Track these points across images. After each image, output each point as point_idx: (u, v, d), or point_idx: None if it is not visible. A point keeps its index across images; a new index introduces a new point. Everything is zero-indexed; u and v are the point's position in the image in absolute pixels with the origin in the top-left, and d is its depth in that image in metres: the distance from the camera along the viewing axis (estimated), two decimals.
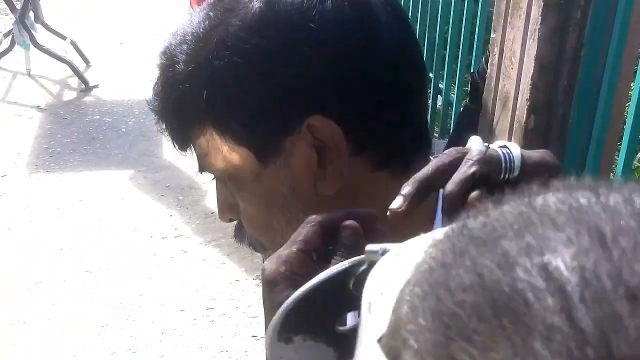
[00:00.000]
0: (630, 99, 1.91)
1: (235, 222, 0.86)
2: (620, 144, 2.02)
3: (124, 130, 4.21)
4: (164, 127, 0.78)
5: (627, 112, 2.05)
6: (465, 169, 0.58)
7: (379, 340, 0.30)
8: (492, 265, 0.26)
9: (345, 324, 0.42)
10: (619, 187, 0.27)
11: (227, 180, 0.77)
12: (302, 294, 0.41)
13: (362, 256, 0.39)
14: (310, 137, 0.69)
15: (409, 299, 0.28)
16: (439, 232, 0.30)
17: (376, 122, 0.71)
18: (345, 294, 0.40)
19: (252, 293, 2.85)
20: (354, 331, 0.41)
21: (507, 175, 0.56)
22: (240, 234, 0.85)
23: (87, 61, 5.01)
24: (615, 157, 2.11)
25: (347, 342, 0.41)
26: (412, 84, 0.75)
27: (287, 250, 0.58)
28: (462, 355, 0.25)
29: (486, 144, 0.60)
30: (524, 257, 0.25)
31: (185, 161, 3.78)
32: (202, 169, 0.79)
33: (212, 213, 3.37)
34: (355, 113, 0.70)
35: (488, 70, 2.36)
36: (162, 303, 2.81)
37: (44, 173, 3.70)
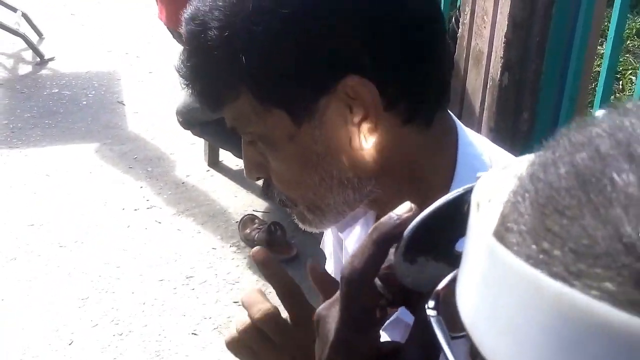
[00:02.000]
0: (603, 52, 1.97)
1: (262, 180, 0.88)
2: (592, 99, 2.08)
3: (84, 103, 4.14)
4: (195, 92, 0.78)
5: (599, 66, 2.11)
6: None
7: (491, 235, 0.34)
8: (586, 157, 0.31)
9: (461, 247, 0.45)
10: None
11: (259, 141, 0.79)
12: (422, 220, 0.44)
13: (474, 184, 0.41)
14: (345, 96, 0.71)
15: (512, 198, 0.33)
16: (542, 149, 0.35)
17: (407, 77, 0.73)
18: (461, 218, 0.42)
19: (230, 260, 2.86)
20: None
21: None
22: (268, 191, 0.87)
23: (39, 34, 4.89)
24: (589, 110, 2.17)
25: None
26: (438, 39, 0.77)
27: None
28: (555, 226, 0.29)
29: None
30: (614, 149, 0.30)
31: (151, 132, 3.75)
32: (234, 130, 0.80)
33: (183, 183, 3.37)
34: (388, 70, 0.72)
35: (459, 30, 2.40)
36: (141, 274, 2.81)
37: (6, 149, 3.62)
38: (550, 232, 0.30)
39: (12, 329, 2.53)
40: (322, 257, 1.19)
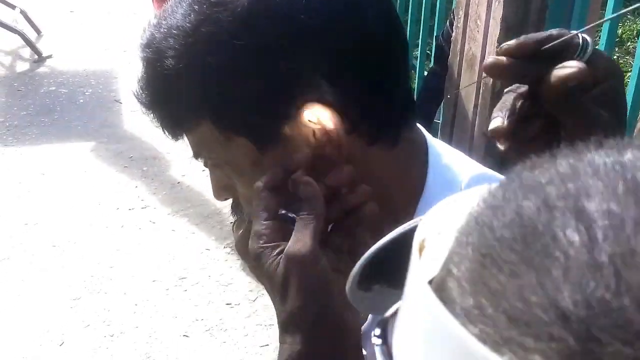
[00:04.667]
0: None
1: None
2: None
3: (81, 101, 4.13)
4: (155, 119, 0.77)
5: None
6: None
7: (430, 282, 0.33)
8: (533, 207, 0.29)
9: None
10: None
11: (224, 165, 0.78)
12: (375, 250, 0.43)
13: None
14: (307, 122, 0.71)
15: (458, 237, 0.32)
16: (494, 184, 0.34)
17: (368, 100, 0.73)
18: None
19: (224, 261, 2.86)
20: None
21: (580, 55, 0.62)
22: (237, 211, 0.86)
23: (38, 31, 4.89)
24: None
25: None
26: (398, 60, 0.76)
27: (256, 226, 0.68)
28: (492, 281, 0.28)
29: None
30: (562, 200, 0.28)
31: (148, 131, 3.74)
32: (197, 156, 0.79)
33: (179, 183, 3.36)
34: (348, 94, 0.71)
35: (453, 34, 2.38)
36: (133, 275, 2.80)
37: (2, 147, 3.62)
38: (487, 287, 0.28)
39: (2, 328, 2.53)
40: None
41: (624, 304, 0.24)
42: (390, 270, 0.44)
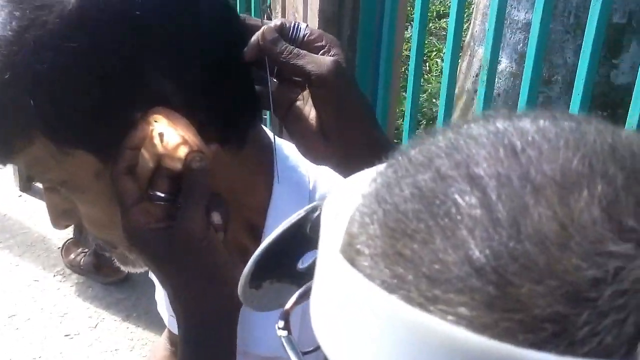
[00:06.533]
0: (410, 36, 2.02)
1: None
2: (404, 83, 2.14)
3: None
4: None
5: (407, 51, 2.17)
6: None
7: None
8: (428, 179, 0.32)
9: (303, 264, 0.47)
10: (526, 113, 0.34)
11: (61, 186, 0.71)
12: (266, 247, 0.45)
13: (316, 203, 0.43)
14: (152, 126, 0.66)
15: (359, 218, 0.34)
16: (383, 165, 0.36)
17: (213, 100, 0.69)
18: (303, 237, 0.44)
19: (56, 290, 2.66)
20: (311, 267, 0.45)
21: (294, 34, 0.73)
22: (81, 238, 0.79)
23: None
24: (403, 94, 2.23)
25: (306, 277, 0.45)
26: (239, 58, 0.73)
27: (128, 213, 0.67)
28: (406, 250, 0.30)
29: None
30: (454, 170, 0.32)
31: None
32: (31, 179, 0.71)
33: None
34: (192, 95, 0.67)
35: None
36: None
37: None
38: (402, 257, 0.30)
39: None
40: (152, 282, 1.11)
41: (527, 249, 0.28)
42: (279, 265, 0.46)
